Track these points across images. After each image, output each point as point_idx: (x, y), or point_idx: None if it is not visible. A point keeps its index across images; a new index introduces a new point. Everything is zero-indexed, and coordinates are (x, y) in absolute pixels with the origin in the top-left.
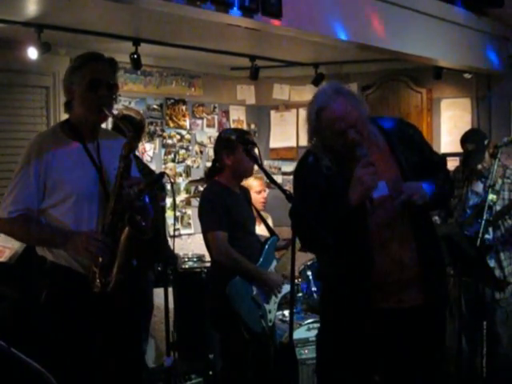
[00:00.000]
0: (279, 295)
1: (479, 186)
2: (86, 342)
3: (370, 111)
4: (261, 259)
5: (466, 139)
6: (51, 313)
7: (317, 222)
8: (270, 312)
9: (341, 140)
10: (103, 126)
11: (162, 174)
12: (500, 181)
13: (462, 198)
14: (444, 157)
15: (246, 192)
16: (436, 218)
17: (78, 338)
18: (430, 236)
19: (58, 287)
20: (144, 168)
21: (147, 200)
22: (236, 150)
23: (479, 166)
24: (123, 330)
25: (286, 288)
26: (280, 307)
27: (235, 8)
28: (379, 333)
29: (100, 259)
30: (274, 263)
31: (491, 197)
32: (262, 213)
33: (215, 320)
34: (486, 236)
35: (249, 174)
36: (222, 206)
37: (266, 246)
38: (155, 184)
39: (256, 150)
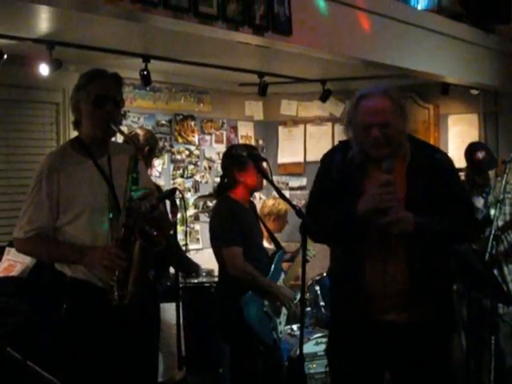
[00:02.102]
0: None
1: (480, 202)
2: (104, 353)
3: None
4: (270, 273)
5: (474, 149)
6: (71, 325)
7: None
8: (280, 324)
9: (365, 134)
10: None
11: (174, 190)
12: (501, 196)
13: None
14: (470, 199)
15: (254, 206)
16: None
17: (97, 350)
18: (426, 259)
19: (77, 300)
20: None
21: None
22: (247, 166)
23: (480, 180)
24: (140, 342)
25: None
26: (288, 322)
27: (246, 26)
28: (379, 344)
29: (116, 273)
30: (283, 276)
31: (497, 211)
32: None
33: (227, 333)
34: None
35: (259, 188)
36: (236, 221)
37: (275, 260)
38: (166, 199)
39: (266, 165)
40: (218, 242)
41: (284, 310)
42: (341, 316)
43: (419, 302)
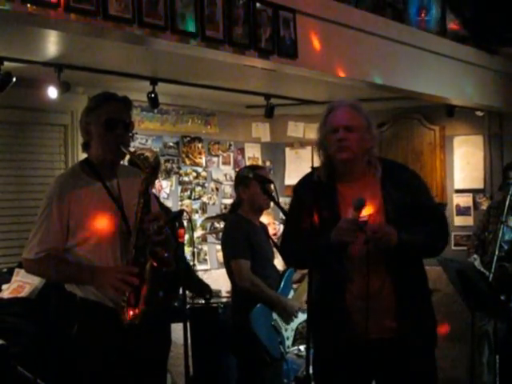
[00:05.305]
0: (296, 320)
1: None
2: (114, 373)
3: (380, 150)
4: (280, 289)
5: (507, 167)
6: (83, 345)
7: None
8: (287, 339)
9: (332, 138)
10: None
11: (182, 212)
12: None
13: (497, 233)
14: (440, 206)
15: (264, 226)
16: (475, 256)
17: (107, 370)
18: (406, 272)
19: (88, 321)
20: (160, 206)
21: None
22: (250, 185)
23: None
24: (149, 361)
25: (302, 317)
26: (295, 342)
27: (251, 50)
28: (367, 360)
29: (126, 294)
30: (292, 294)
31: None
32: None
33: (236, 345)
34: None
35: (265, 207)
36: (244, 235)
37: (284, 277)
38: (175, 221)
39: (272, 187)
40: (226, 256)
41: (292, 326)
42: (326, 341)
43: (405, 315)
